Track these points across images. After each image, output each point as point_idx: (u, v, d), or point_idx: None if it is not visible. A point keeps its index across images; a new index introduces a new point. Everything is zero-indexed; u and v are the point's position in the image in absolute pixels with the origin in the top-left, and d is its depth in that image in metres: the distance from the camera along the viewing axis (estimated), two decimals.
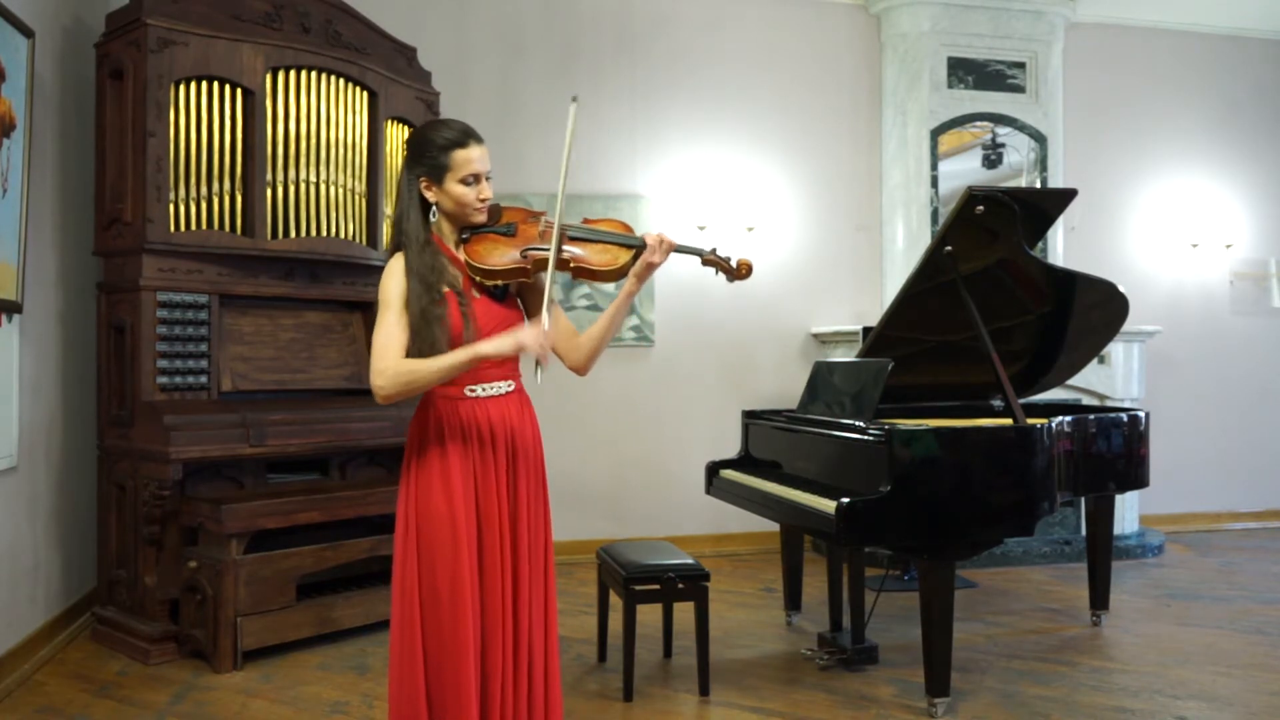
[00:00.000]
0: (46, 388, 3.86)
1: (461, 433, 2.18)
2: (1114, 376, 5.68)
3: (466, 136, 2.16)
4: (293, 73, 4.13)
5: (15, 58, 3.40)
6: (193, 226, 3.90)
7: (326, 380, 4.33)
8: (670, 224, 5.68)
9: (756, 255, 5.82)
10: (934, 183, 5.86)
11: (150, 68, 3.77)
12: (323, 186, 4.21)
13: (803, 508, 3.28)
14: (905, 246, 5.87)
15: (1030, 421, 3.33)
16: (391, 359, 2.06)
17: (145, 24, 3.76)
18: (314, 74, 4.19)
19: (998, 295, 3.78)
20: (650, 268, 2.20)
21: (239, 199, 4.01)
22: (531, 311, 2.28)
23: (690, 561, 3.41)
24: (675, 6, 5.78)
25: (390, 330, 2.09)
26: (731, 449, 4.47)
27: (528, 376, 2.20)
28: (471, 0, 5.51)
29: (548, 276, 2.12)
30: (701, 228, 5.73)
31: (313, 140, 4.18)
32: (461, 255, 2.20)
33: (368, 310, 4.54)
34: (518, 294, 2.31)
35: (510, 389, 2.25)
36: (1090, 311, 3.96)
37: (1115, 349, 5.66)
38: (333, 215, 4.24)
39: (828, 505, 3.08)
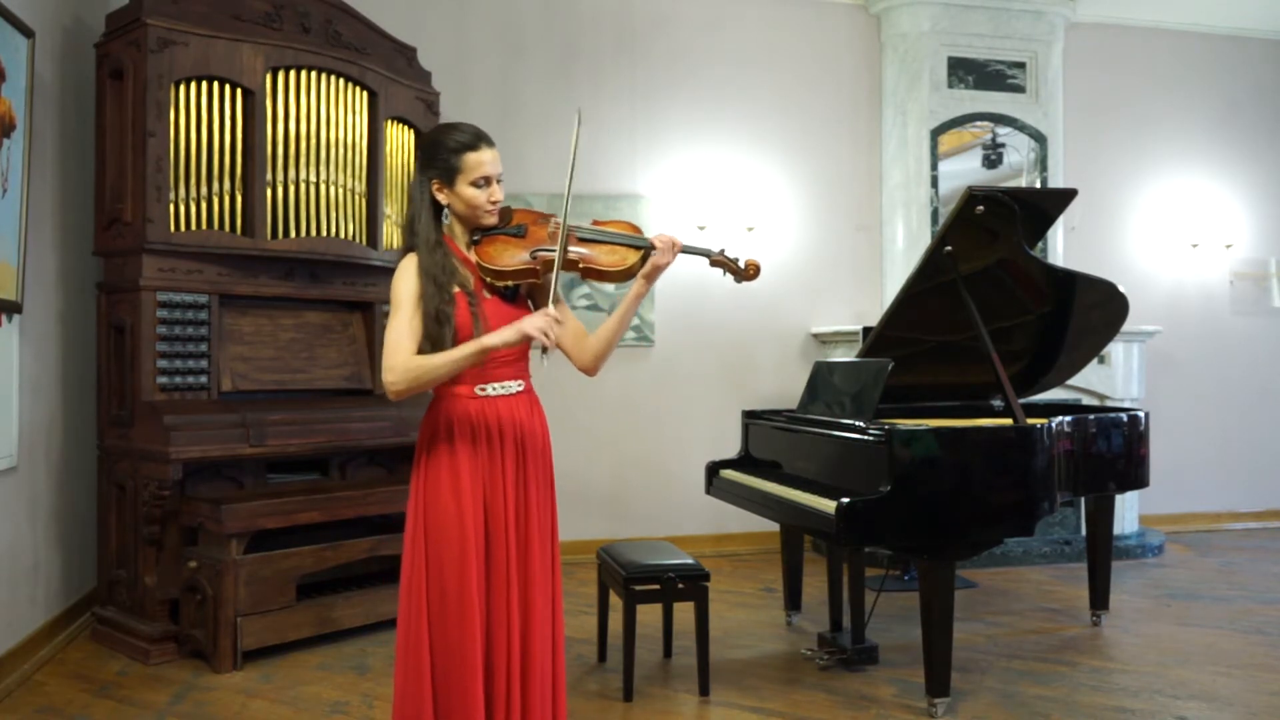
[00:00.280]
0: (46, 388, 3.86)
1: (471, 431, 2.20)
2: (1114, 376, 5.68)
3: (478, 140, 2.19)
4: (293, 73, 4.13)
5: (15, 58, 3.40)
6: (193, 226, 3.90)
7: (326, 380, 4.33)
8: (670, 224, 5.68)
9: (756, 255, 5.78)
10: (934, 183, 5.86)
11: (150, 68, 3.77)
12: (323, 186, 4.21)
13: (803, 508, 3.28)
14: (905, 246, 5.87)
15: (1030, 421, 3.33)
16: (403, 356, 2.10)
17: (145, 24, 3.76)
18: (314, 74, 4.19)
19: (998, 295, 3.78)
20: (659, 269, 2.23)
21: (239, 199, 4.01)
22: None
23: (690, 561, 3.42)
24: (675, 6, 5.78)
25: (401, 328, 2.12)
26: (731, 449, 4.47)
27: (534, 363, 2.22)
28: (471, 0, 5.51)
29: (555, 275, 2.15)
30: (701, 228, 5.73)
31: (313, 140, 4.18)
32: (473, 256, 2.23)
33: (368, 310, 4.55)
34: (528, 295, 2.33)
35: (520, 389, 2.28)
36: (1090, 311, 3.96)
37: (1115, 349, 5.66)
38: (333, 215, 4.24)
39: (828, 505, 3.08)
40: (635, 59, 5.71)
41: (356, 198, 4.36)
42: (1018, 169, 6.00)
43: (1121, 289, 3.92)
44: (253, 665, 3.65)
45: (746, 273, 2.37)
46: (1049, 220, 3.78)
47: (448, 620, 2.16)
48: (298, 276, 4.28)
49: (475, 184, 2.18)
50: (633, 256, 2.23)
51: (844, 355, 5.39)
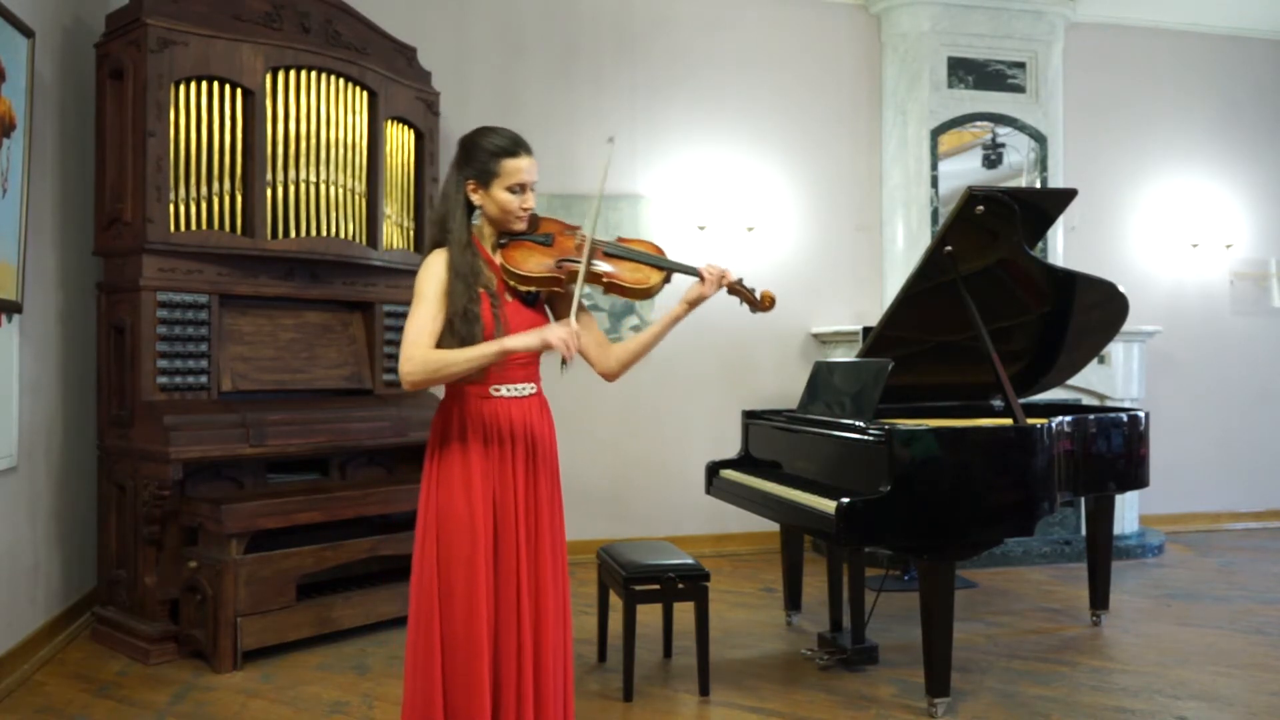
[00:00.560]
0: (46, 388, 3.86)
1: (483, 430, 2.23)
2: (1114, 376, 5.68)
3: (517, 146, 2.24)
4: (293, 73, 4.13)
5: (15, 58, 3.39)
6: (193, 226, 3.90)
7: (326, 380, 4.33)
8: (670, 224, 5.68)
9: (756, 255, 5.83)
10: (934, 183, 5.86)
11: (150, 68, 3.77)
12: (323, 186, 4.21)
13: (803, 508, 3.28)
14: (905, 246, 5.87)
15: (1030, 421, 3.33)
16: (422, 348, 2.13)
17: (145, 24, 3.76)
18: (314, 74, 4.19)
19: (998, 295, 3.78)
20: (703, 298, 2.31)
21: (239, 199, 4.01)
22: (558, 319, 2.34)
23: (690, 561, 3.42)
24: (675, 6, 5.78)
25: (423, 321, 2.16)
26: (731, 449, 4.47)
27: (552, 371, 2.24)
28: (471, 0, 5.51)
29: (578, 287, 2.21)
30: (701, 228, 5.73)
31: (313, 140, 4.17)
32: (498, 259, 2.27)
33: (368, 310, 4.55)
34: (546, 301, 2.37)
35: (532, 392, 2.32)
36: (1090, 311, 3.96)
37: (1115, 349, 5.66)
38: (333, 215, 4.24)
39: (828, 505, 3.08)
40: (635, 59, 5.71)
41: (356, 198, 4.36)
42: (1018, 169, 6.00)
43: (1121, 289, 3.92)
44: (253, 665, 3.65)
45: (762, 304, 2.44)
46: (1049, 220, 3.78)
47: (456, 618, 2.18)
48: (298, 276, 4.28)
49: (511, 189, 2.23)
50: (655, 277, 2.30)
51: (844, 355, 5.39)
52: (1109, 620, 4.28)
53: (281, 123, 4.10)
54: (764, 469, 3.88)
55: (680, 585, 3.35)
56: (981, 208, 3.46)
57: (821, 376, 3.95)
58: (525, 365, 2.28)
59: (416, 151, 4.76)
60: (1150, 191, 6.47)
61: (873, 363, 3.60)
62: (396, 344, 4.59)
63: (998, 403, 4.22)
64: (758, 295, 2.43)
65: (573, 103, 5.61)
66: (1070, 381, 4.71)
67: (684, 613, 3.63)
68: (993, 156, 5.98)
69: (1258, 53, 6.66)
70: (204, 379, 3.95)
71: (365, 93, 4.40)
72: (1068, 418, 3.65)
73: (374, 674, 3.57)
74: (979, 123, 5.94)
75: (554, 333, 2.11)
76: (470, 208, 2.26)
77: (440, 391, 2.28)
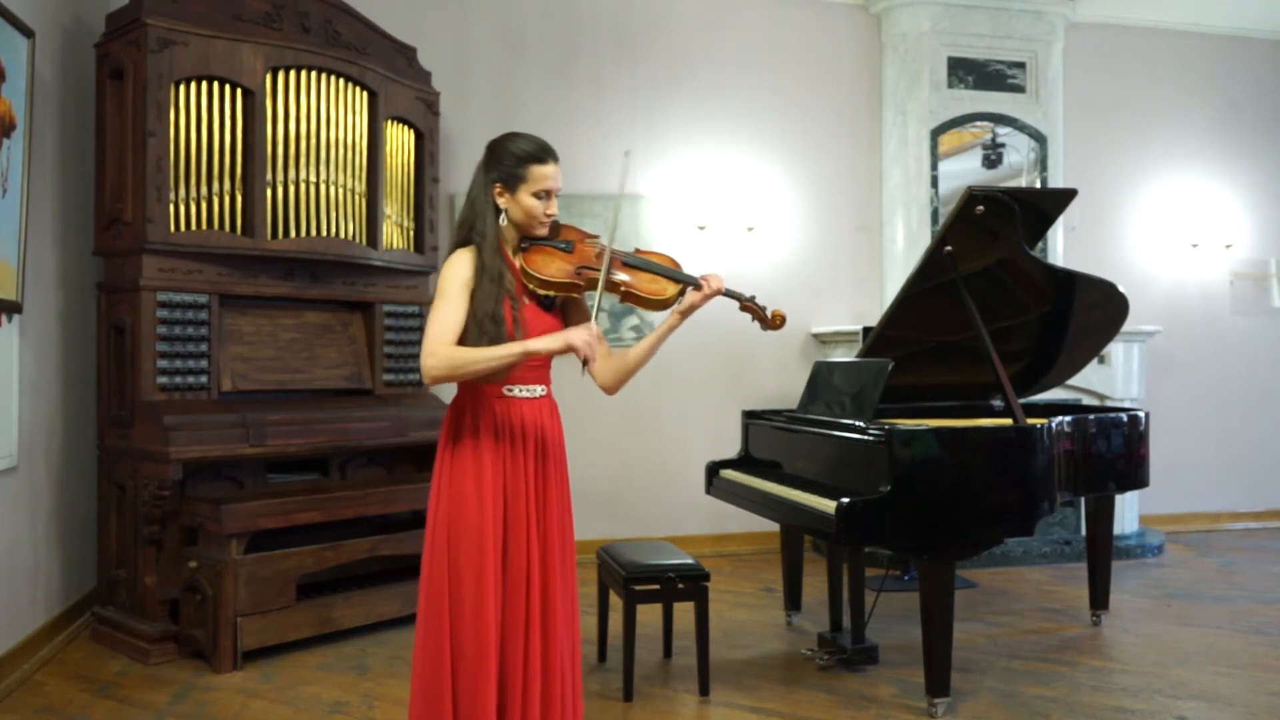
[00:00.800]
0: (46, 388, 3.86)
1: (495, 429, 2.26)
2: (1114, 376, 5.68)
3: (545, 153, 2.28)
4: (293, 73, 4.13)
5: (15, 58, 3.39)
6: (193, 226, 3.90)
7: (326, 380, 4.33)
8: (670, 224, 5.68)
9: (756, 255, 5.84)
10: (934, 183, 5.86)
11: (150, 68, 3.77)
12: (323, 186, 4.21)
13: (803, 508, 3.28)
14: (905, 246, 5.87)
15: (1030, 421, 3.33)
16: (445, 344, 2.16)
17: (145, 24, 3.76)
18: (314, 74, 4.19)
19: (998, 295, 3.78)
20: (695, 308, 2.34)
21: (239, 199, 4.01)
22: (570, 325, 2.37)
23: (690, 561, 3.42)
24: (675, 6, 5.78)
25: (446, 318, 2.19)
26: (731, 449, 4.47)
27: (573, 373, 2.29)
28: (471, 0, 5.51)
29: (597, 295, 2.25)
30: (701, 228, 5.73)
31: (313, 140, 4.18)
32: (518, 262, 2.31)
33: (368, 310, 4.55)
34: (561, 307, 2.40)
35: (543, 393, 2.36)
36: (1090, 311, 3.96)
37: (1115, 349, 5.65)
38: (333, 215, 4.24)
39: (828, 505, 3.08)
40: (635, 59, 5.71)
41: (356, 198, 4.36)
42: (1018, 169, 6.00)
43: (1121, 289, 3.92)
44: (253, 665, 3.65)
45: (772, 322, 2.47)
46: (1049, 220, 3.78)
47: (464, 615, 2.20)
48: (298, 276, 4.28)
49: (536, 195, 2.27)
50: (672, 288, 2.35)
51: (844, 355, 5.39)
52: (1109, 620, 4.28)
53: (281, 123, 4.10)
54: (764, 469, 3.88)
55: (680, 585, 3.35)
56: (981, 208, 3.46)
57: (821, 376, 3.95)
58: (539, 367, 2.32)
59: (416, 151, 4.77)
60: (1150, 191, 6.47)
61: (873, 363, 3.60)
62: (396, 344, 4.59)
63: (998, 403, 4.22)
64: (769, 314, 2.47)
65: (573, 103, 5.61)
66: (1070, 381, 4.71)
67: (684, 613, 3.63)
68: (993, 156, 5.97)
69: (1258, 53, 6.66)
70: (204, 379, 3.95)
71: (365, 93, 4.40)
72: (1068, 418, 3.65)
73: (374, 674, 3.57)
74: (979, 123, 5.94)
75: (577, 335, 2.15)
76: (496, 211, 2.30)
77: (444, 394, 2.30)
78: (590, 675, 3.58)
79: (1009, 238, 3.58)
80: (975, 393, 4.19)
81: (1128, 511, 5.74)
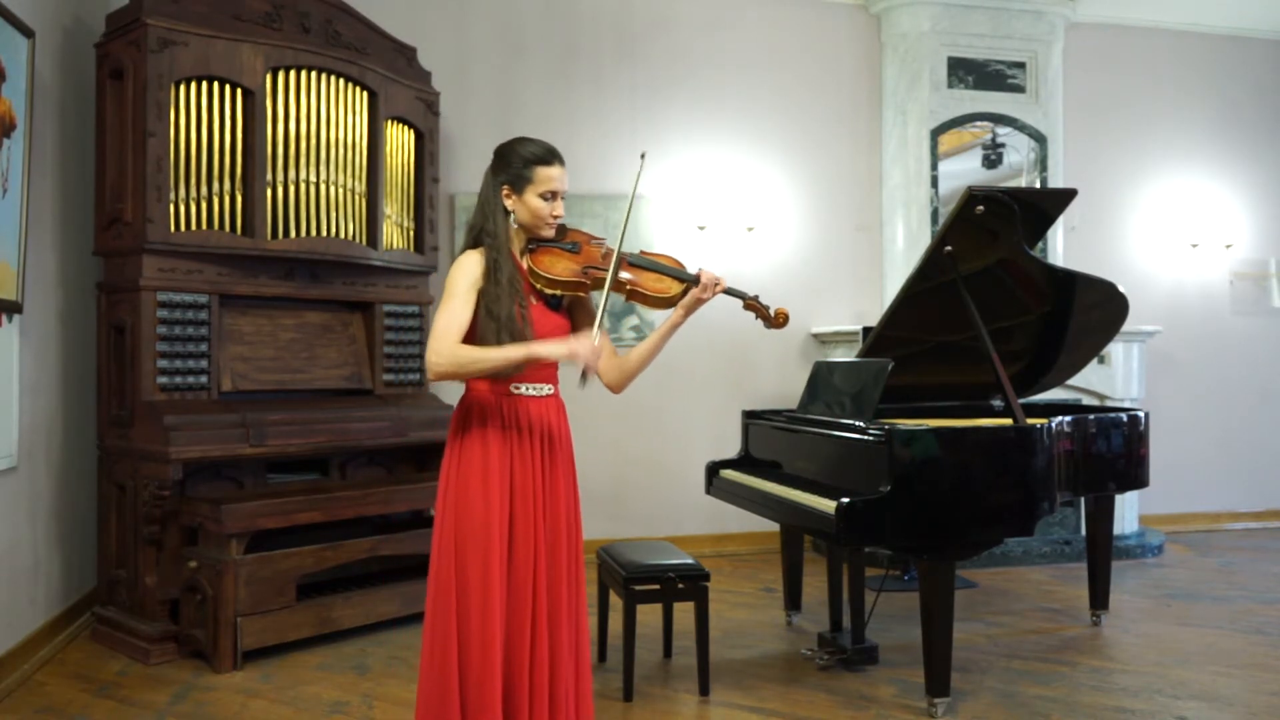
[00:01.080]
0: (46, 388, 3.86)
1: (502, 427, 2.28)
2: (1114, 376, 5.68)
3: (551, 155, 2.32)
4: (293, 73, 4.13)
5: (15, 58, 3.39)
6: (193, 226, 3.90)
7: (326, 380, 4.33)
8: (670, 224, 5.68)
9: (756, 255, 5.84)
10: (934, 183, 5.86)
11: (150, 68, 3.77)
12: (323, 186, 4.21)
13: (803, 508, 3.28)
14: (905, 246, 5.86)
15: (1030, 421, 3.33)
16: (450, 342, 2.19)
17: (145, 24, 3.76)
18: (314, 74, 4.19)
19: (998, 295, 3.78)
20: (700, 303, 2.37)
21: (239, 199, 4.01)
22: (578, 327, 2.41)
23: (690, 561, 3.42)
24: (675, 6, 5.78)
25: (453, 316, 2.21)
26: (731, 449, 4.47)
27: (572, 382, 2.30)
28: (471, 0, 5.51)
29: (603, 296, 2.29)
30: (701, 228, 5.73)
31: (313, 140, 4.17)
32: (525, 263, 2.34)
33: (368, 310, 4.55)
34: (568, 307, 2.43)
35: (550, 392, 2.39)
36: (1090, 311, 3.96)
37: (1115, 349, 5.65)
38: (333, 215, 4.24)
39: (828, 505, 3.08)
40: (635, 59, 5.71)
41: (356, 198, 4.36)
42: (1018, 169, 6.00)
43: (1121, 289, 3.92)
44: (253, 665, 3.65)
45: (776, 321, 2.50)
46: (1049, 220, 3.78)
47: (471, 612, 2.22)
48: (298, 276, 4.28)
49: (543, 196, 2.30)
50: (676, 287, 2.38)
51: (844, 355, 5.40)
52: (1109, 620, 4.29)
53: (281, 123, 4.10)
54: (764, 469, 3.88)
55: (680, 585, 3.35)
56: (981, 208, 3.46)
57: (821, 376, 3.95)
58: (546, 366, 2.35)
59: (416, 151, 4.77)
60: (1150, 191, 6.47)
61: (873, 363, 3.60)
62: (396, 344, 4.59)
63: (998, 403, 4.22)
64: (772, 312, 2.49)
65: (573, 103, 5.61)
66: (1070, 381, 4.71)
67: (684, 613, 3.63)
68: (993, 156, 5.98)
69: (1258, 53, 6.66)
70: (204, 379, 3.95)
71: (365, 93, 4.40)
72: (1068, 418, 3.65)
73: (374, 674, 3.57)
74: (979, 123, 5.94)
75: (581, 347, 2.18)
76: (505, 213, 2.33)
77: (444, 394, 2.31)
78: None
79: (1009, 238, 3.58)
80: (975, 393, 4.19)
81: (1128, 511, 5.74)
